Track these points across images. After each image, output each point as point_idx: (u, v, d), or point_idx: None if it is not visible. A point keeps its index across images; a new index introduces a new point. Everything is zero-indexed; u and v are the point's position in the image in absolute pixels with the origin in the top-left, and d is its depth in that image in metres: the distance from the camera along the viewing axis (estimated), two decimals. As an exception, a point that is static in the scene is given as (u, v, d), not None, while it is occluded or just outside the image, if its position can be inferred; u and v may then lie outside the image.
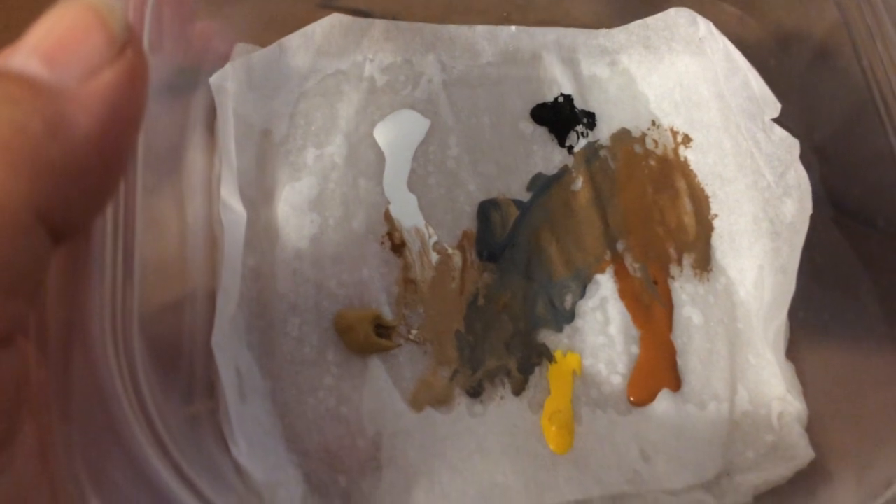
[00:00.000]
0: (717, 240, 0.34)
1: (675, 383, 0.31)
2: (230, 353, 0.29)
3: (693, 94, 0.36)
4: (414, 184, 0.33)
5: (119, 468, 0.19)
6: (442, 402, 0.30)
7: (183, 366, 0.27)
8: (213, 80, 0.31)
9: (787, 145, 0.32)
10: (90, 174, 0.18)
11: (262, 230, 0.32)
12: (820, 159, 0.32)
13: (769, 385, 0.32)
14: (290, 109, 0.34)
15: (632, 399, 0.31)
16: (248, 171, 0.32)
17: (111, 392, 0.20)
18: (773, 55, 0.34)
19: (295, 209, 0.32)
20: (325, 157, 0.33)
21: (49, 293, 0.20)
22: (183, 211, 0.30)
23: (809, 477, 0.29)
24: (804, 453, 0.29)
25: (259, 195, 0.32)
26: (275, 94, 0.34)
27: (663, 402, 0.31)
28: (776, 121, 0.32)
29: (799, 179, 0.31)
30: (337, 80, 0.34)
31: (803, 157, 0.31)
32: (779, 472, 0.29)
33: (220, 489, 0.21)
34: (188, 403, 0.27)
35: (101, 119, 0.18)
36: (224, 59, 0.33)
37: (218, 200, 0.30)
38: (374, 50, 0.35)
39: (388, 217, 0.32)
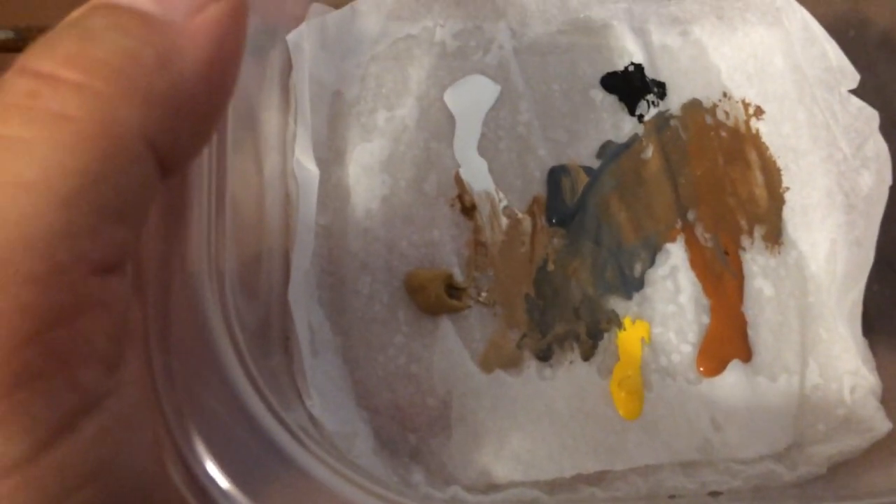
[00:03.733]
0: (788, 213, 0.34)
1: (746, 354, 0.31)
2: (304, 308, 0.29)
3: (767, 65, 0.35)
4: (484, 148, 0.33)
5: (217, 399, 0.19)
6: (511, 364, 0.30)
7: (259, 320, 0.28)
8: (290, 38, 0.32)
9: (866, 116, 0.32)
10: (197, 106, 0.18)
11: (332, 189, 0.32)
12: (900, 131, 0.31)
13: (841, 359, 0.31)
14: (362, 71, 0.34)
15: (701, 369, 0.31)
16: (319, 131, 0.32)
17: (209, 327, 0.20)
18: (852, 25, 0.33)
19: (366, 170, 0.32)
20: (395, 119, 0.33)
21: (148, 229, 0.21)
22: (260, 168, 0.30)
23: (884, 449, 0.28)
24: (881, 425, 0.29)
25: (330, 155, 0.32)
26: (347, 55, 0.34)
27: (734, 373, 0.31)
28: (854, 92, 0.32)
29: (878, 151, 0.31)
30: (408, 44, 0.34)
31: (882, 130, 0.31)
32: (854, 443, 0.29)
33: (308, 429, 0.21)
34: (264, 356, 0.27)
35: (207, 53, 0.18)
36: (299, 19, 0.33)
37: (292, 159, 0.31)
38: (444, 15, 0.35)
39: (458, 180, 0.32)
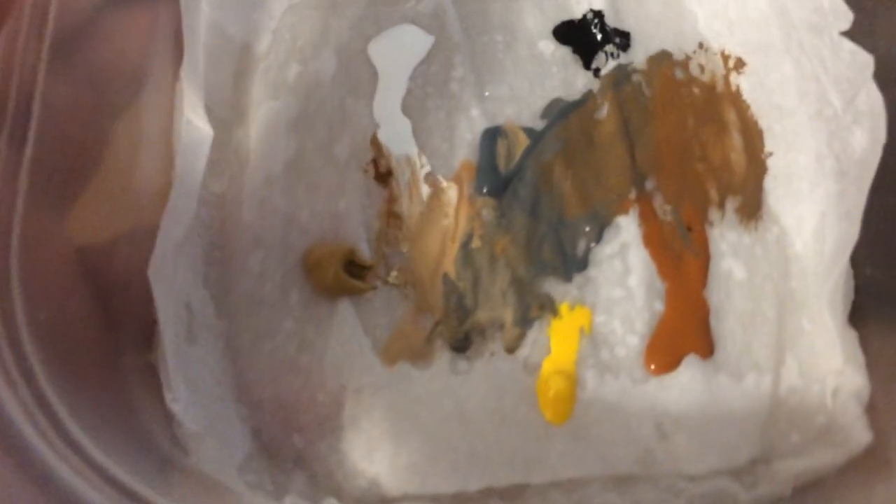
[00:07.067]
0: (770, 182, 0.28)
1: (706, 348, 0.26)
2: (177, 287, 0.25)
3: (751, 10, 0.30)
4: (409, 106, 0.29)
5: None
6: (419, 355, 0.26)
7: (118, 303, 0.24)
8: (183, -18, 0.28)
9: (859, 63, 0.26)
10: None
11: (232, 154, 0.28)
12: (898, 78, 0.26)
13: (825, 356, 0.26)
14: (275, 23, 0.30)
15: (652, 367, 0.26)
16: (222, 88, 0.28)
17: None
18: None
19: (270, 131, 0.28)
20: (308, 73, 0.29)
21: None
22: (140, 128, 0.26)
23: (865, 466, 0.23)
24: (859, 436, 0.24)
25: (233, 115, 0.28)
26: (258, 5, 0.30)
27: (689, 371, 0.26)
28: (846, 34, 0.27)
29: (872, 104, 0.26)
30: (331, -8, 0.30)
31: (877, 76, 0.25)
32: (827, 458, 0.24)
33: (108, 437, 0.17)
34: (130, 348, 0.24)
35: None
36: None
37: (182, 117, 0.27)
38: (374, -43, 0.31)
39: (375, 142, 0.28)
